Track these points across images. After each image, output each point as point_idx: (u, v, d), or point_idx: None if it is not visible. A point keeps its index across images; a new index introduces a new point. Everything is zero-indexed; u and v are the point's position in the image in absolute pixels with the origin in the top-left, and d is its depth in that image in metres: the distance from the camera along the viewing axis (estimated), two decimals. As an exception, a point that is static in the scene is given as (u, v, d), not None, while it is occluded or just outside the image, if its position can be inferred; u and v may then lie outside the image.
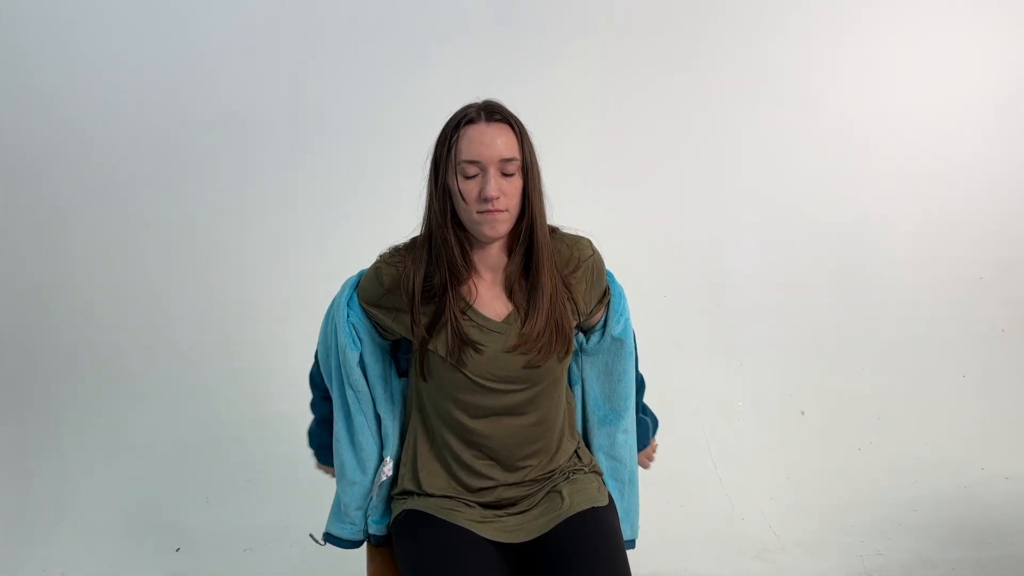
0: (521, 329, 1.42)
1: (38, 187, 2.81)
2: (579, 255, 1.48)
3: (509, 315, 1.44)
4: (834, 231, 3.06)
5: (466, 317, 1.43)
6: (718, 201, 3.03)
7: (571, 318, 1.46)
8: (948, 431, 2.96)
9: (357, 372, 1.52)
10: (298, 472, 2.72)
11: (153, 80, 2.81)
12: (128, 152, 2.83)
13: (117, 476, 2.77)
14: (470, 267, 1.44)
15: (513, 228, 1.41)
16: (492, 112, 1.37)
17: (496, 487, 1.50)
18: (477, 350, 1.40)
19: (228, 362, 2.89)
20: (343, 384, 1.54)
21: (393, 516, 1.54)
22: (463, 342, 1.40)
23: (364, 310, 1.51)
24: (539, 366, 1.43)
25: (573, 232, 1.52)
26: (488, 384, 1.43)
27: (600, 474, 1.61)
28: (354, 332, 1.51)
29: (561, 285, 1.45)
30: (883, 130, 3.03)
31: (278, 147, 2.88)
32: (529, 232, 1.41)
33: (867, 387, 3.03)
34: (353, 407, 1.54)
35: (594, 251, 1.51)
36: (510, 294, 1.45)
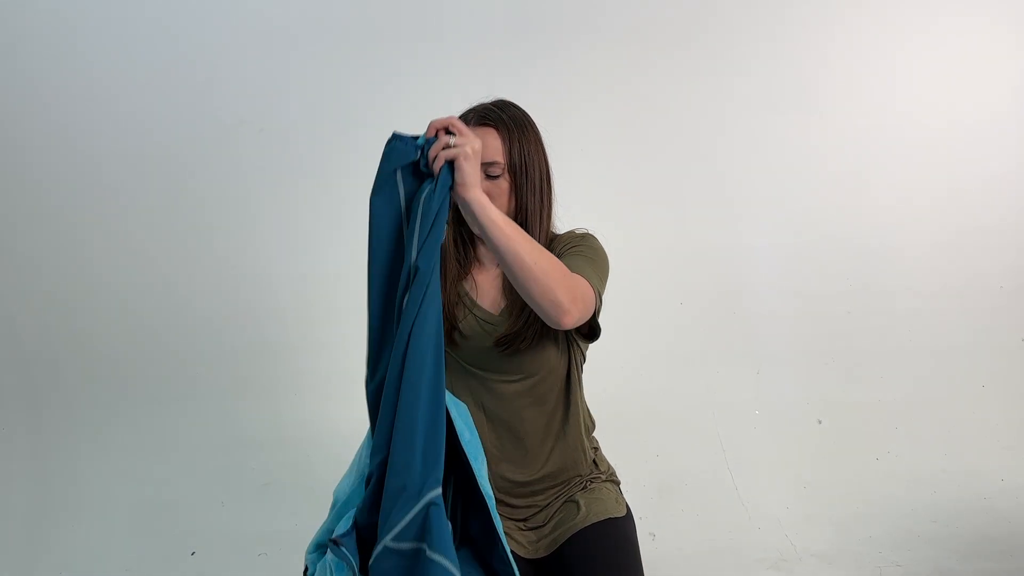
0: (508, 324, 1.45)
1: (56, 193, 2.84)
2: (576, 234, 1.50)
3: (503, 309, 1.48)
4: (852, 239, 3.03)
5: (465, 307, 1.48)
6: (735, 209, 3.01)
7: None
8: (967, 442, 2.93)
9: None
10: (313, 476, 2.74)
11: (167, 87, 2.82)
12: (145, 159, 2.85)
13: (133, 479, 2.79)
14: (469, 261, 1.52)
15: None
16: (484, 116, 1.42)
17: (504, 485, 1.50)
18: (464, 335, 1.47)
19: (244, 366, 2.90)
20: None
21: None
22: (451, 327, 1.46)
23: None
24: (518, 353, 1.44)
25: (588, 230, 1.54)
26: (480, 373, 1.47)
27: (618, 483, 1.60)
28: None
29: None
30: (901, 137, 3.01)
31: (293, 153, 2.89)
32: None
33: (885, 396, 3.00)
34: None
35: (590, 235, 1.52)
36: (506, 290, 1.50)
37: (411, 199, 1.16)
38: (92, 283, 2.88)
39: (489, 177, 1.39)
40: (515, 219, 1.44)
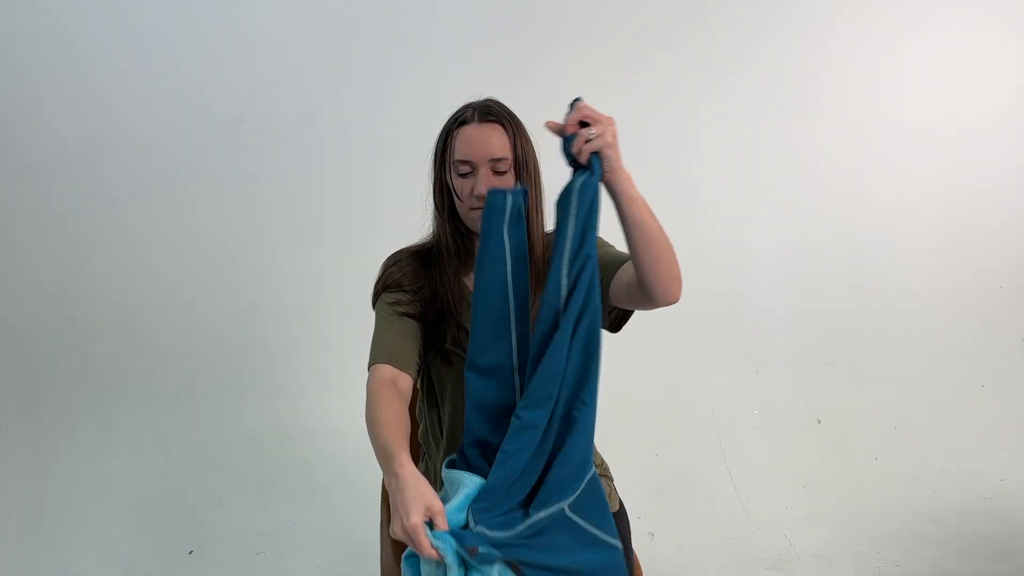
0: None
1: (55, 191, 2.83)
2: None
3: None
4: (853, 239, 3.04)
5: (469, 304, 1.46)
6: (735, 207, 3.01)
7: None
8: (967, 442, 2.93)
9: None
10: (312, 476, 2.74)
11: (166, 85, 2.82)
12: (144, 157, 2.85)
13: (131, 477, 2.78)
14: (469, 255, 1.50)
15: None
16: (486, 113, 1.42)
17: None
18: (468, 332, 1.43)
19: (243, 365, 2.90)
20: None
21: None
22: (457, 325, 1.45)
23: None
24: None
25: None
26: None
27: (611, 479, 1.60)
28: None
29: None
30: (903, 137, 3.02)
31: (293, 151, 2.89)
32: None
33: (885, 396, 3.00)
34: None
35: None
36: None
37: (517, 247, 1.28)
38: (91, 282, 2.87)
39: (497, 173, 1.39)
40: None
